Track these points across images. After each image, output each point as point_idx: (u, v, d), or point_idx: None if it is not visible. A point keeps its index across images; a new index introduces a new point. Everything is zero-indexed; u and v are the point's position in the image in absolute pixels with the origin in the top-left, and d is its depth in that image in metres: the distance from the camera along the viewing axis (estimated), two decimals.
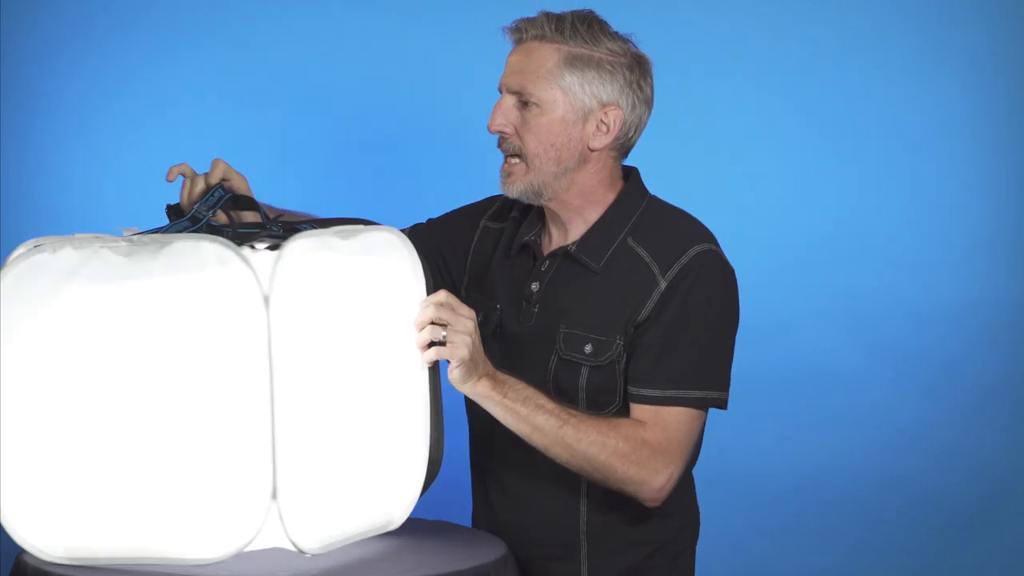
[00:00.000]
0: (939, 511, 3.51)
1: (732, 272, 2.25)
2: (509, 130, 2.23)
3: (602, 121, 2.23)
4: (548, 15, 2.22)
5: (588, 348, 2.21)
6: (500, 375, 2.09)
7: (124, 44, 3.41)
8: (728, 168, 3.54)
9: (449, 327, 2.01)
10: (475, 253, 2.40)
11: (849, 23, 3.51)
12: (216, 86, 3.42)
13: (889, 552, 3.51)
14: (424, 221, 2.50)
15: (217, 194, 2.11)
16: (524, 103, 2.21)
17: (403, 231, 2.39)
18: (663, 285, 2.18)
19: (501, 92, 2.24)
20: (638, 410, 2.18)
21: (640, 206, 2.28)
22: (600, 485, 2.17)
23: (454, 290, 2.39)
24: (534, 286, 2.28)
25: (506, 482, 2.31)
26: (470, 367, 2.04)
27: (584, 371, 2.22)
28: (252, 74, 3.43)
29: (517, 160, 2.23)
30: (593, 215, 2.27)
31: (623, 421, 2.15)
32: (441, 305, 2.01)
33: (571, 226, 2.28)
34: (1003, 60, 3.52)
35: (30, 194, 3.40)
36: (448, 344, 2.01)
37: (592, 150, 2.24)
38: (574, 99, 2.21)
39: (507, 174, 2.25)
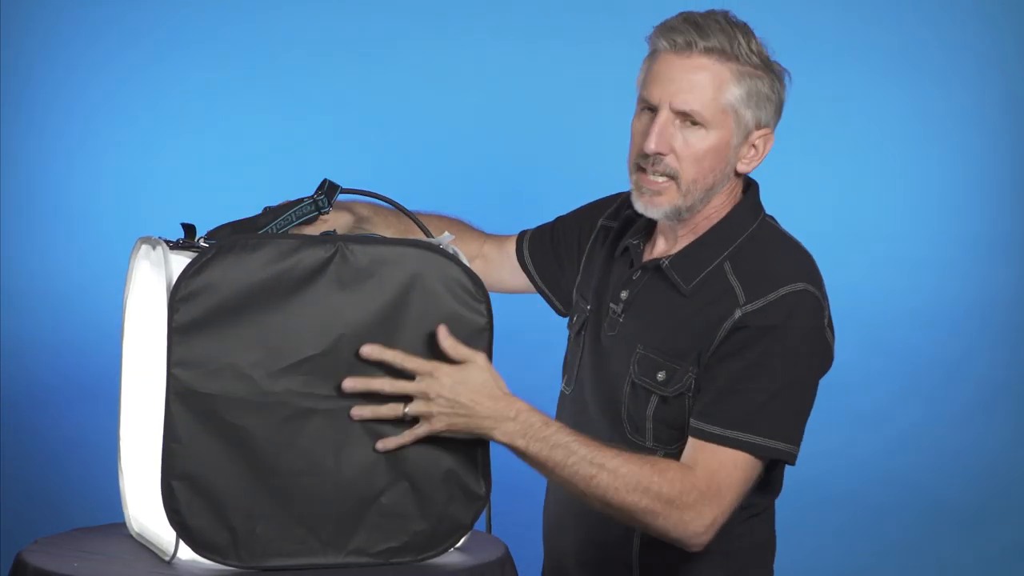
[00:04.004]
0: (939, 511, 3.51)
1: (824, 316, 2.10)
2: (667, 152, 2.06)
3: (753, 144, 2.10)
4: (713, 23, 2.05)
5: (661, 375, 2.08)
6: (522, 420, 1.91)
7: (123, 42, 3.42)
8: None
9: (416, 400, 1.85)
10: (590, 252, 2.29)
11: (849, 22, 3.52)
12: (233, 89, 3.43)
13: (889, 552, 3.51)
14: (554, 219, 2.39)
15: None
16: (688, 124, 2.05)
17: (531, 230, 2.40)
18: (737, 315, 2.03)
19: (658, 106, 2.06)
20: (695, 445, 2.02)
21: (748, 229, 2.12)
22: (641, 530, 2.03)
23: (566, 289, 2.32)
24: (624, 294, 2.15)
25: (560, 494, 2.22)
26: (465, 426, 1.88)
27: (654, 400, 2.09)
28: (259, 77, 3.44)
29: (667, 179, 2.08)
30: (703, 229, 2.12)
31: (671, 464, 1.99)
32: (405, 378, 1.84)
33: (680, 238, 2.14)
34: (1004, 59, 3.53)
35: (31, 194, 3.40)
36: (422, 421, 1.86)
37: (739, 174, 2.11)
38: (739, 122, 2.07)
39: (655, 193, 2.08)
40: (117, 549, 1.94)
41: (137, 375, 1.99)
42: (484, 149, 3.50)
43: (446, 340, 1.86)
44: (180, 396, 1.80)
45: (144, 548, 1.94)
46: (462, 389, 1.86)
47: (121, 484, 2.02)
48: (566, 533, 2.22)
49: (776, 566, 2.24)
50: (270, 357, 1.83)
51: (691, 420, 2.05)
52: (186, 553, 1.84)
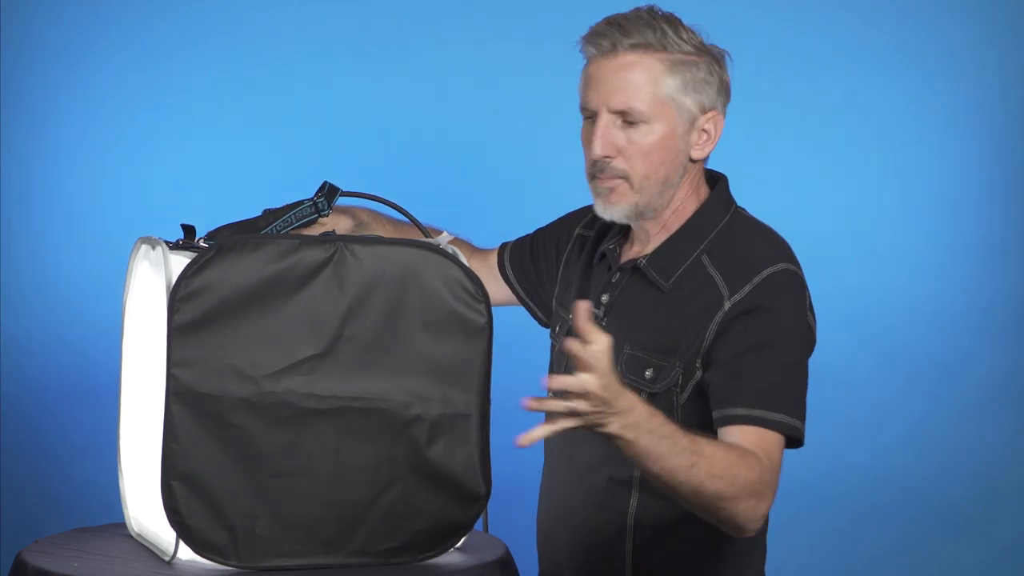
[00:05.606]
0: (939, 511, 3.51)
1: (806, 297, 2.08)
2: (614, 154, 2.06)
3: (703, 129, 2.09)
4: (636, 19, 2.05)
5: (649, 373, 2.07)
6: (636, 411, 1.80)
7: (123, 42, 3.42)
8: (726, 169, 3.53)
9: (591, 415, 1.77)
10: (567, 261, 2.28)
11: (847, 21, 3.51)
12: (224, 86, 3.43)
13: (889, 552, 3.51)
14: (534, 231, 2.39)
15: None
16: (629, 122, 2.05)
17: (511, 243, 2.39)
18: (726, 306, 2.02)
19: (597, 112, 2.07)
20: (738, 431, 1.96)
21: (721, 221, 2.12)
22: (708, 520, 1.95)
23: (547, 301, 2.33)
24: (604, 298, 2.15)
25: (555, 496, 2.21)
26: (599, 420, 1.79)
27: (642, 398, 2.01)
28: (252, 72, 3.44)
29: (620, 180, 2.08)
30: (674, 225, 2.12)
31: (747, 450, 1.93)
32: (577, 404, 1.75)
33: (652, 237, 2.14)
34: (1003, 59, 3.53)
35: (31, 194, 3.40)
36: (596, 428, 1.78)
37: (694, 161, 2.11)
38: (681, 110, 2.06)
39: (609, 191, 2.08)
40: (117, 549, 1.94)
41: (137, 375, 1.99)
42: (486, 152, 3.50)
43: (582, 318, 1.73)
44: (180, 396, 1.80)
45: (144, 548, 1.95)
46: (613, 389, 1.77)
47: (121, 484, 2.02)
48: (558, 540, 2.22)
49: (775, 566, 2.23)
50: (270, 357, 1.83)
51: (723, 410, 1.99)
52: (186, 553, 1.84)
